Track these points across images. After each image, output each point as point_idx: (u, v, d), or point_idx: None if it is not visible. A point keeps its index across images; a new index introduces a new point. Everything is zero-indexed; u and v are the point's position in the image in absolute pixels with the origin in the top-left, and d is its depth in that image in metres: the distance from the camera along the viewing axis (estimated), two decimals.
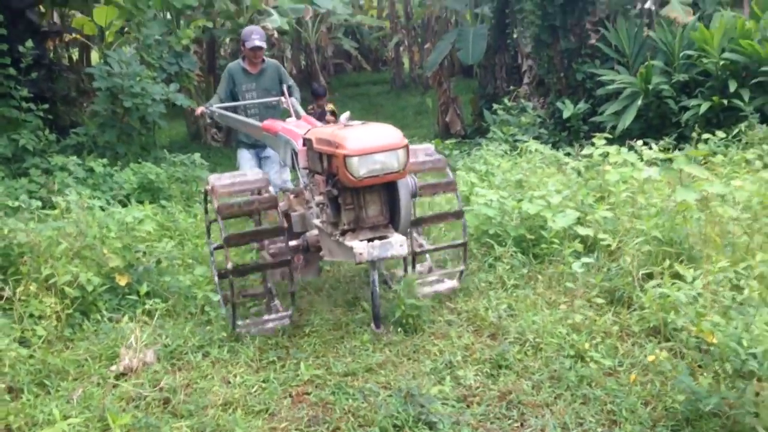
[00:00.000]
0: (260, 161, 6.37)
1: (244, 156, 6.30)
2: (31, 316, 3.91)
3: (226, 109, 5.95)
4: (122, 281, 4.35)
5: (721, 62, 7.95)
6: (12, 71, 7.80)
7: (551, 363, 3.45)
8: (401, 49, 25.04)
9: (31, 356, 3.62)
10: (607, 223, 4.84)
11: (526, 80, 12.71)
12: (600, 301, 3.98)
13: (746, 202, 4.41)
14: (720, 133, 7.05)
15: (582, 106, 9.57)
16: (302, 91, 6.84)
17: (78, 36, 14.43)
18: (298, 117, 5.35)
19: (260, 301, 4.43)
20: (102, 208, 5.49)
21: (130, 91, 8.10)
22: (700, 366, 3.22)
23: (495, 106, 10.44)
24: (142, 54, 9.30)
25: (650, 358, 3.24)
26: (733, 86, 7.82)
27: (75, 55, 18.69)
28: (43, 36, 10.44)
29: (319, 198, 3.82)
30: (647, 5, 11.41)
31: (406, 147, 3.54)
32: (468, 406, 3.17)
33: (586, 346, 3.52)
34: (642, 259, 4.21)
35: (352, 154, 3.38)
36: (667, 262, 3.84)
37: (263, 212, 4.51)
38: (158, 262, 4.53)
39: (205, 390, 3.37)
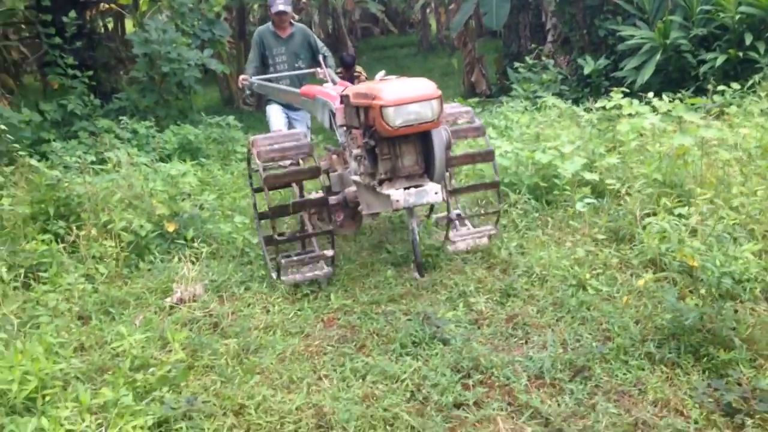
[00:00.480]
0: (289, 120, 6.54)
1: (275, 112, 6.42)
2: (93, 257, 4.40)
3: (262, 79, 6.15)
4: (170, 228, 4.81)
5: (737, 16, 8.09)
6: (58, 40, 8.27)
7: (555, 291, 3.83)
8: (428, 11, 25.10)
9: (95, 290, 4.12)
10: (616, 170, 5.16)
11: (549, 38, 12.90)
12: (602, 237, 4.33)
13: (745, 146, 4.70)
14: (735, 85, 7.27)
15: (603, 61, 9.78)
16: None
17: (113, 5, 14.93)
18: (334, 83, 5.40)
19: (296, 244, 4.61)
20: (147, 165, 5.95)
21: (167, 57, 8.54)
22: (690, 291, 3.57)
23: (517, 64, 10.65)
24: (176, 22, 9.71)
25: (640, 282, 3.59)
26: (749, 39, 7.98)
27: (110, 25, 19.17)
28: (83, 6, 10.88)
29: (357, 151, 3.91)
30: None
31: (440, 98, 3.65)
32: (478, 327, 3.57)
33: (587, 276, 3.88)
34: (644, 201, 4.54)
35: (388, 105, 3.50)
36: (664, 202, 4.17)
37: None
38: (201, 207, 4.96)
39: (248, 316, 3.83)
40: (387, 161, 3.77)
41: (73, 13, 8.43)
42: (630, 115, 5.85)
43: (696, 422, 2.69)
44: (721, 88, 7.19)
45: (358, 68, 9.38)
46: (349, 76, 8.80)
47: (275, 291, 4.14)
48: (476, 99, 10.62)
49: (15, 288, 4.06)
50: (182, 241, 4.70)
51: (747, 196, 3.93)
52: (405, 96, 3.54)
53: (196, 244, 4.62)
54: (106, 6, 15.02)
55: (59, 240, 4.51)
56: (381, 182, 3.78)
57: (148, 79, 8.91)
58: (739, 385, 2.83)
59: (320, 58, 6.17)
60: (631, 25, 9.94)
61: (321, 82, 5.74)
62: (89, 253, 4.39)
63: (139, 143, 7.30)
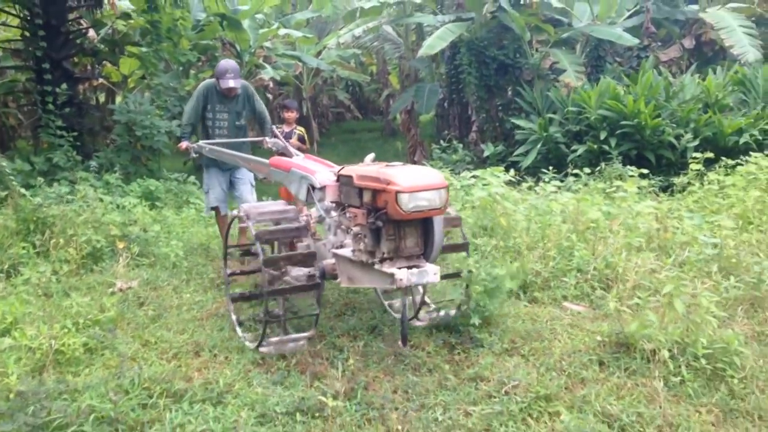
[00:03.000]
0: (231, 182, 6.49)
1: (214, 177, 6.43)
2: (59, 260, 5.87)
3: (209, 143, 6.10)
4: (120, 245, 6.31)
5: (595, 116, 9.99)
6: (51, 107, 9.94)
7: None
8: (391, 101, 27.37)
9: (58, 281, 5.58)
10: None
11: (474, 128, 14.84)
12: None
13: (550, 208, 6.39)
14: (587, 170, 9.06)
15: (500, 148, 11.62)
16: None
17: (105, 82, 16.82)
18: (295, 155, 5.42)
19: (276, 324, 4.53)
20: (109, 200, 7.51)
21: (142, 124, 10.22)
22: None
23: (433, 146, 12.51)
24: (153, 97, 11.47)
25: None
26: (603, 135, 9.84)
27: (102, 98, 21.06)
28: (76, 81, 12.58)
29: (356, 229, 3.90)
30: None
31: (447, 187, 3.79)
32: None
33: None
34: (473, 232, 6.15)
35: (404, 191, 3.57)
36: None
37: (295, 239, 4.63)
38: (144, 231, 6.51)
39: (165, 298, 5.30)
40: (391, 241, 3.80)
41: (64, 86, 10.12)
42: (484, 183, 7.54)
43: None
44: (579, 170, 8.99)
45: (300, 129, 8.56)
46: (289, 128, 8.25)
47: (190, 285, 5.63)
48: None
49: None
50: (128, 255, 6.20)
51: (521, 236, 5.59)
52: (419, 184, 3.63)
53: (138, 258, 6.13)
54: (101, 81, 16.93)
55: (35, 247, 6.00)
56: (382, 261, 3.81)
57: (126, 141, 10.55)
58: None
59: (271, 128, 6.41)
60: (528, 120, 11.86)
61: (259, 149, 6.27)
62: (57, 256, 5.88)
63: (109, 190, 8.84)
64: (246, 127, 6.54)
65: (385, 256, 3.80)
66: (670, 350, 3.79)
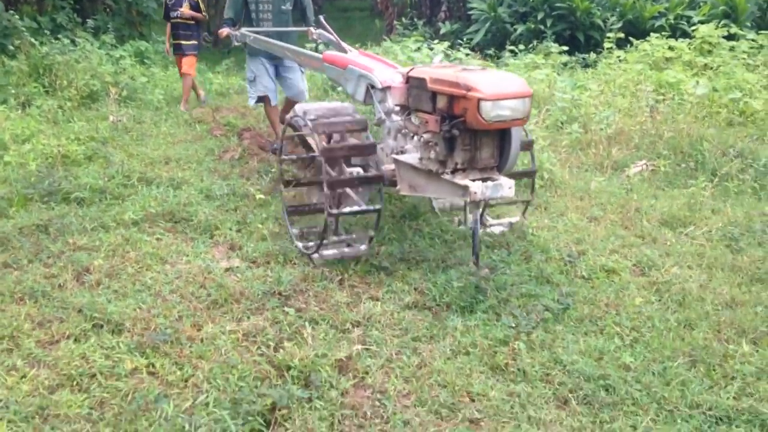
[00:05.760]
0: (277, 70, 5.92)
1: (261, 67, 5.83)
2: (64, 98, 7.16)
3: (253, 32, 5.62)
4: (113, 89, 7.56)
5: None
6: None
7: None
8: None
9: (63, 112, 6.89)
10: None
11: (443, 8, 15.65)
12: None
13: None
14: (521, 46, 10.18)
15: (456, 26, 12.59)
16: None
17: None
18: (342, 49, 4.89)
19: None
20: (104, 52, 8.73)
21: None
22: None
23: (397, 23, 13.47)
24: None
25: None
26: (540, 15, 10.85)
27: None
28: None
29: (426, 136, 3.59)
30: None
31: (531, 96, 3.44)
32: None
33: None
34: None
35: (487, 98, 3.22)
36: None
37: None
38: (132, 79, 7.76)
39: (147, 127, 6.64)
40: (466, 152, 3.48)
41: None
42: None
43: None
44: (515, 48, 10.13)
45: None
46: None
47: (167, 122, 6.96)
48: None
49: (17, 110, 6.82)
50: (119, 97, 7.48)
51: None
52: (503, 91, 3.28)
53: (128, 100, 7.42)
54: None
55: (44, 87, 7.28)
56: (454, 171, 3.51)
57: (120, 7, 11.52)
58: None
59: (309, 20, 5.92)
60: (482, 1, 12.74)
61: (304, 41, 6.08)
62: (62, 95, 7.16)
63: (104, 49, 9.96)
64: (290, 15, 5.92)
65: (459, 167, 3.49)
66: None
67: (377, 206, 3.80)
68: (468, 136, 3.44)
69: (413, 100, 3.74)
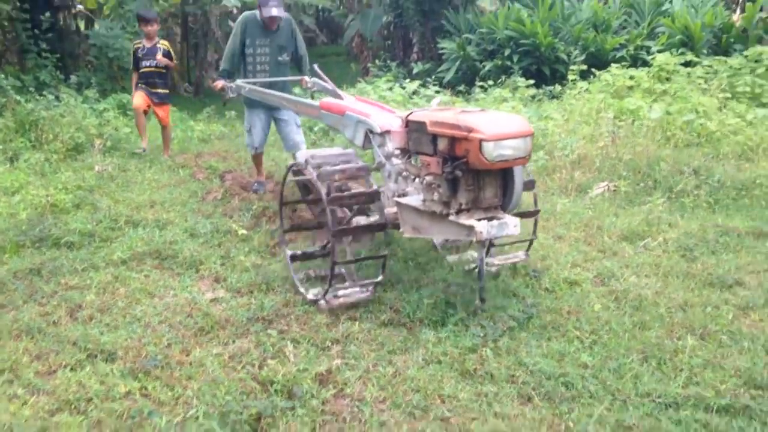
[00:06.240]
0: (275, 122, 6.09)
1: (257, 118, 5.98)
2: (50, 151, 7.40)
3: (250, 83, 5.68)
4: (97, 141, 7.82)
5: (502, 36, 11.45)
6: (35, 32, 11.20)
7: None
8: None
9: (50, 165, 7.11)
10: None
11: (415, 50, 16.19)
12: None
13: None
14: (490, 82, 10.61)
15: (428, 65, 13.06)
16: None
17: (83, 9, 17.82)
18: (340, 96, 4.92)
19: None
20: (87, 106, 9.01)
21: (113, 47, 11.54)
22: None
23: (370, 65, 13.92)
24: (124, 23, 12.71)
25: None
26: (507, 52, 11.32)
27: (82, 25, 22.05)
28: (56, 9, 13.72)
29: (429, 178, 3.62)
30: None
31: (532, 134, 3.47)
32: None
33: None
34: None
35: (489, 139, 3.27)
36: None
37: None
38: (116, 130, 8.03)
39: (132, 175, 6.88)
40: (470, 192, 3.52)
41: (47, 14, 11.36)
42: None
43: None
44: (485, 84, 10.55)
45: (165, 43, 7.75)
46: (151, 44, 7.57)
47: (151, 169, 7.21)
48: None
49: (5, 164, 7.05)
50: (104, 148, 7.73)
51: None
52: (504, 131, 3.33)
53: (112, 150, 7.67)
54: (80, 9, 17.96)
55: (30, 141, 7.52)
56: (458, 212, 3.54)
57: (101, 63, 11.87)
58: None
59: (305, 69, 5.98)
60: (452, 40, 13.25)
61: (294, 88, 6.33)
62: (48, 148, 7.40)
63: (87, 103, 10.26)
64: (288, 65, 5.97)
65: (463, 207, 3.53)
66: None
67: (383, 253, 3.86)
68: (471, 177, 3.49)
69: (413, 143, 3.81)
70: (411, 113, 3.89)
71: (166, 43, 7.76)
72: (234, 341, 3.45)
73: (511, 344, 3.31)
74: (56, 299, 3.93)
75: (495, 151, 3.29)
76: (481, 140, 3.27)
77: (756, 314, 3.59)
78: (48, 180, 6.42)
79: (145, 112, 7.76)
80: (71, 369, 3.18)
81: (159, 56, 7.54)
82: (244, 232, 5.02)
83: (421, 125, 3.67)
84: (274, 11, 5.62)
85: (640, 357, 3.15)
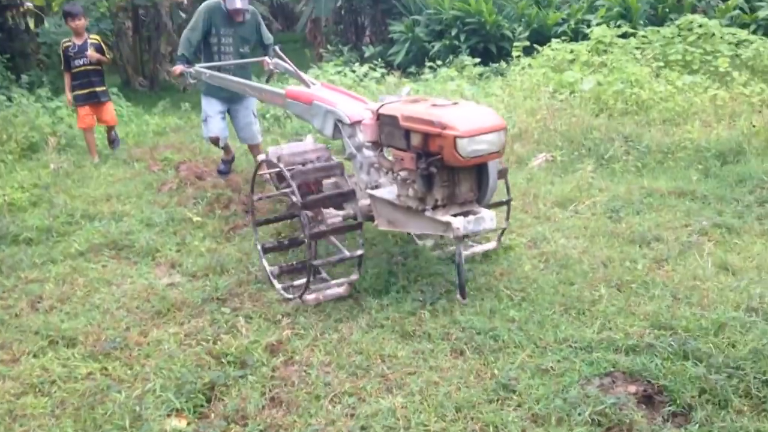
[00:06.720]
0: (230, 111, 6.05)
1: (214, 107, 5.89)
2: (5, 152, 7.41)
3: (209, 67, 5.57)
4: (52, 140, 7.85)
5: (448, 17, 11.66)
6: None
7: None
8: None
9: (6, 165, 7.16)
10: None
11: (367, 33, 16.33)
12: None
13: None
14: (439, 62, 10.83)
15: (379, 48, 13.22)
16: None
17: (31, 7, 17.50)
18: (306, 83, 4.73)
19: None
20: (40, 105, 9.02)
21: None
22: None
23: (322, 50, 14.03)
24: None
25: None
26: (454, 32, 11.55)
27: (32, 24, 21.63)
28: (4, 8, 13.52)
29: (403, 174, 3.58)
30: None
31: (506, 128, 3.44)
32: None
33: None
34: None
35: (463, 136, 3.21)
36: None
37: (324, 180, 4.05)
38: (70, 127, 8.07)
39: (88, 171, 6.95)
40: (445, 188, 3.49)
41: None
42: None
43: None
44: (434, 63, 10.77)
45: (96, 37, 7.44)
46: (81, 41, 7.20)
47: (106, 164, 7.29)
48: None
49: None
50: (59, 146, 7.77)
51: None
52: (478, 127, 3.27)
53: (66, 148, 7.73)
54: (28, 7, 17.63)
55: None
56: (434, 208, 3.52)
57: (52, 61, 11.75)
58: None
59: (269, 49, 5.89)
60: (401, 22, 13.41)
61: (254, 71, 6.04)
62: (3, 149, 7.42)
63: (40, 102, 10.21)
64: (249, 57, 5.94)
65: (439, 203, 3.50)
66: None
67: (359, 252, 3.76)
68: (446, 173, 3.45)
69: (386, 137, 3.71)
70: (382, 106, 3.75)
71: (96, 37, 7.42)
72: (190, 321, 3.65)
73: (447, 306, 3.57)
74: (17, 292, 4.07)
75: (470, 147, 3.26)
76: (455, 137, 3.22)
77: (669, 265, 3.90)
78: (4, 180, 6.48)
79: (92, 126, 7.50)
80: (34, 355, 3.35)
81: (90, 51, 7.15)
82: (199, 219, 5.19)
83: (393, 119, 3.58)
84: (239, 3, 5.57)
85: (561, 309, 3.44)
